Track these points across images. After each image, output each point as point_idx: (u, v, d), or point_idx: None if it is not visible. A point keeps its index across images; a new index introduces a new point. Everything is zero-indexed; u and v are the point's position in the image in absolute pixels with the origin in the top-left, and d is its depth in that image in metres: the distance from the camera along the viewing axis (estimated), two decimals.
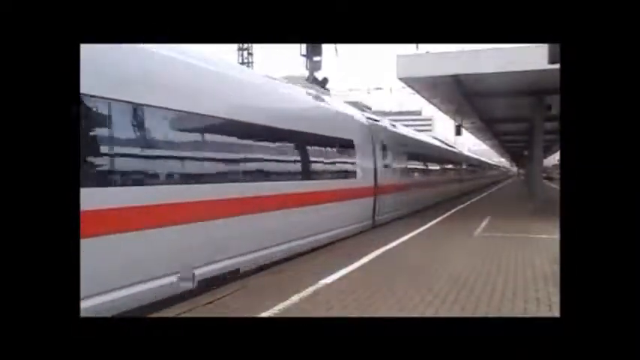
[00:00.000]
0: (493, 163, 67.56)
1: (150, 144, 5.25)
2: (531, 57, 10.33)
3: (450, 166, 26.10)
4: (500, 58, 12.17)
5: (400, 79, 13.87)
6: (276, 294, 5.38)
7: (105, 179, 4.69)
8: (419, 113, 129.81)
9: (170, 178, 5.56)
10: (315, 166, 9.11)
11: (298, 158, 8.52)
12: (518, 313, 4.79)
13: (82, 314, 3.34)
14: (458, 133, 24.08)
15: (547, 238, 9.56)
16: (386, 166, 13.04)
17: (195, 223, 5.79)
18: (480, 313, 4.77)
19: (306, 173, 8.71)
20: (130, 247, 4.91)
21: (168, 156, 5.54)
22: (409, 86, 15.62)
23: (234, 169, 6.74)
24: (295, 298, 5.28)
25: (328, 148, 9.86)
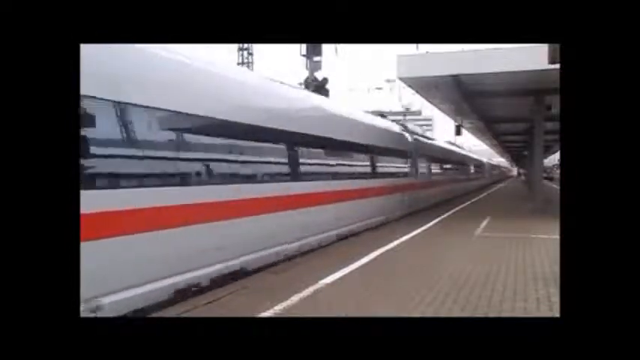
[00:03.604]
0: (480, 159, 44.62)
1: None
2: (531, 57, 10.33)
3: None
4: (500, 58, 12.17)
5: (400, 79, 13.88)
6: (276, 294, 5.38)
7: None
8: (419, 113, 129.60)
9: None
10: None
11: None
12: (518, 313, 4.79)
13: None
14: (458, 133, 24.09)
15: (547, 238, 9.57)
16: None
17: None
18: (479, 313, 4.76)
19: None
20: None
21: None
22: (409, 86, 15.62)
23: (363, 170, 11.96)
24: (295, 298, 5.28)
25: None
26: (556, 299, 5.03)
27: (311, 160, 9.44)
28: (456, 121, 24.11)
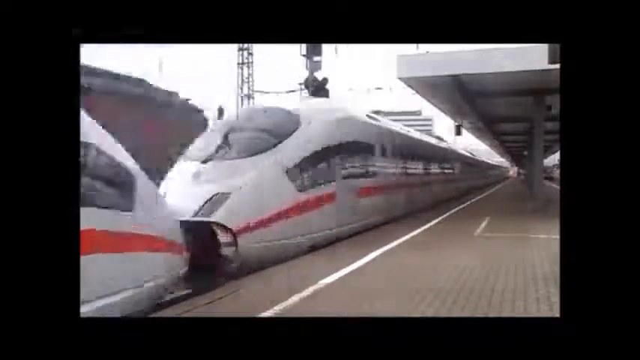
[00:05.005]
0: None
1: None
2: (531, 57, 10.34)
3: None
4: (500, 58, 12.17)
5: (400, 79, 13.87)
6: (276, 294, 5.38)
7: None
8: (419, 113, 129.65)
9: None
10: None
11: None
12: (518, 313, 4.79)
13: None
14: (458, 133, 24.11)
15: (547, 238, 9.57)
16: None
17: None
18: (479, 313, 4.76)
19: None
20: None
21: None
22: (409, 86, 15.62)
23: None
24: (295, 298, 5.27)
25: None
26: (556, 299, 5.03)
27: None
28: (455, 121, 24.12)
